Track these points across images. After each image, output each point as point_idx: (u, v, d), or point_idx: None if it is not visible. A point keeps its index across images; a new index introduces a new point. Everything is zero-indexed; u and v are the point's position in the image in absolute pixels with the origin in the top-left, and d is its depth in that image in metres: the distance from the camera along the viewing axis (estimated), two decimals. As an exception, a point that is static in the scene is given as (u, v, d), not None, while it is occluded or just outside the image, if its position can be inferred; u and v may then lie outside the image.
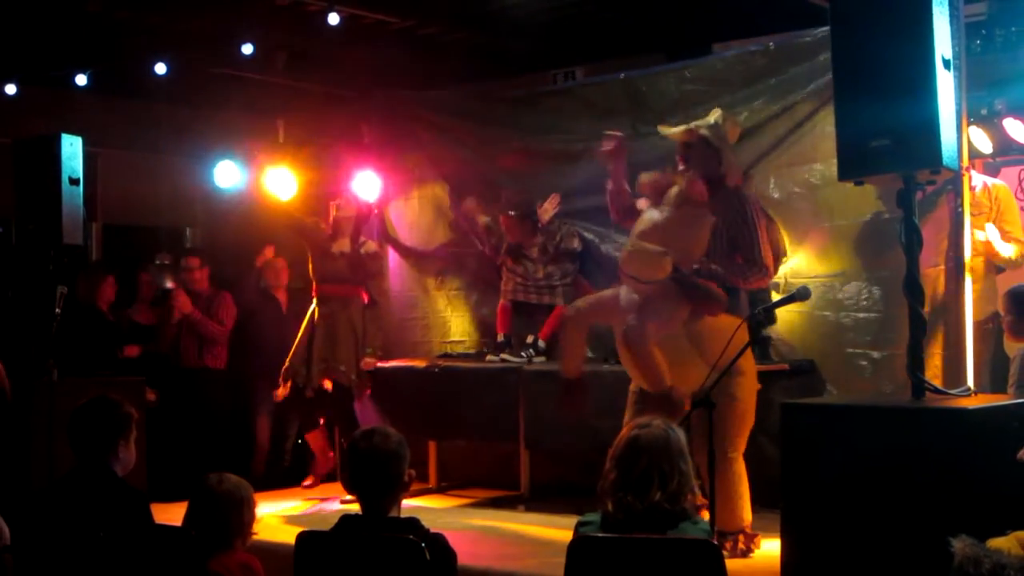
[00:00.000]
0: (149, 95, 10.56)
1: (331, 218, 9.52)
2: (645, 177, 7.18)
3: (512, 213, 9.16)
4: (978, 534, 3.05)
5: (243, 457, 9.89)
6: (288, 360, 9.24)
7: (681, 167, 7.00)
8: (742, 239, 6.80)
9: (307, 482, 9.73)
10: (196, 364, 9.89)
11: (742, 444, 6.76)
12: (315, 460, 9.83)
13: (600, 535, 4.12)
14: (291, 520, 8.36)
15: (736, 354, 5.88)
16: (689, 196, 6.83)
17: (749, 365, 6.53)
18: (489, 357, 9.22)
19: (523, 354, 8.97)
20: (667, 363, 6.76)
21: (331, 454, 9.90)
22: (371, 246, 9.53)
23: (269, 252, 10.46)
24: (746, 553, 6.67)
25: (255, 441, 10.21)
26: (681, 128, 7.01)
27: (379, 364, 9.52)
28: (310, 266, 9.42)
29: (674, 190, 6.95)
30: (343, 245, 9.34)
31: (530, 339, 9.12)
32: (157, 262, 11.09)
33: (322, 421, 9.70)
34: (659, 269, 6.75)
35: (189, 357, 9.88)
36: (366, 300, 9.54)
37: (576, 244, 9.20)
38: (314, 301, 9.29)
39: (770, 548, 6.48)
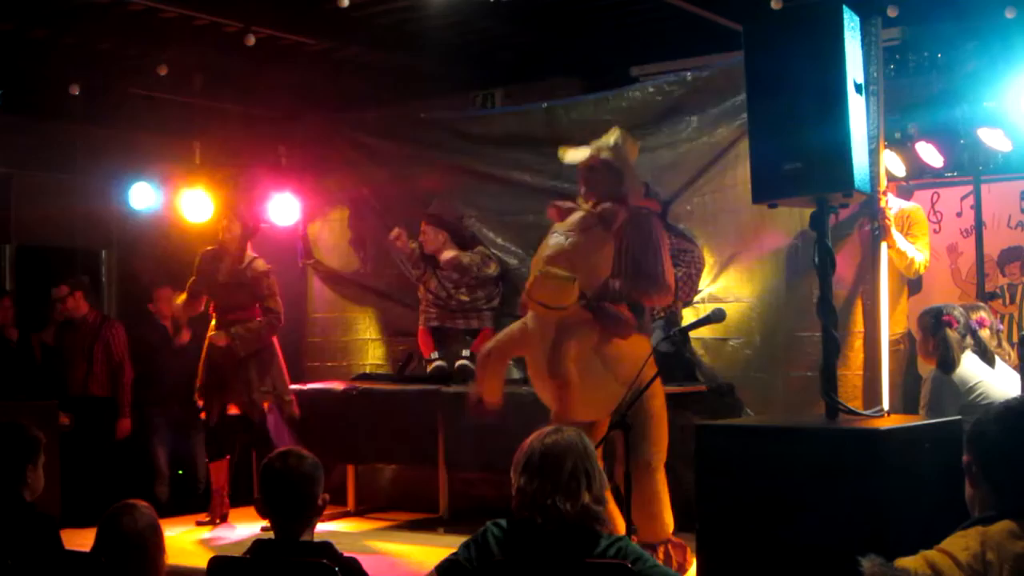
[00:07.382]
0: (64, 115, 10.43)
1: (218, 239, 9.05)
2: (556, 204, 7.16)
3: (431, 213, 9.24)
4: (888, 554, 3.07)
5: (147, 482, 9.79)
6: (197, 384, 9.01)
7: (582, 190, 7.01)
8: (646, 259, 6.81)
9: (202, 519, 9.09)
10: (80, 392, 9.67)
11: (663, 456, 6.81)
12: (212, 498, 9.18)
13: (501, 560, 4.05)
14: (204, 544, 8.29)
15: (652, 376, 5.97)
16: (600, 221, 6.84)
17: (658, 381, 6.52)
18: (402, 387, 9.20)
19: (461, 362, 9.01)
20: (579, 387, 6.73)
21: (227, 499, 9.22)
22: (259, 265, 8.95)
23: (164, 293, 10.12)
24: (682, 567, 6.68)
25: (155, 467, 10.10)
26: (585, 154, 7.00)
27: (296, 386, 9.34)
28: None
29: (577, 215, 6.94)
30: (227, 267, 8.93)
31: (466, 353, 9.12)
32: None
33: (227, 457, 9.18)
34: (567, 295, 6.71)
35: (75, 384, 9.68)
36: (258, 318, 8.90)
37: (493, 270, 9.22)
38: (212, 324, 9.03)
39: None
